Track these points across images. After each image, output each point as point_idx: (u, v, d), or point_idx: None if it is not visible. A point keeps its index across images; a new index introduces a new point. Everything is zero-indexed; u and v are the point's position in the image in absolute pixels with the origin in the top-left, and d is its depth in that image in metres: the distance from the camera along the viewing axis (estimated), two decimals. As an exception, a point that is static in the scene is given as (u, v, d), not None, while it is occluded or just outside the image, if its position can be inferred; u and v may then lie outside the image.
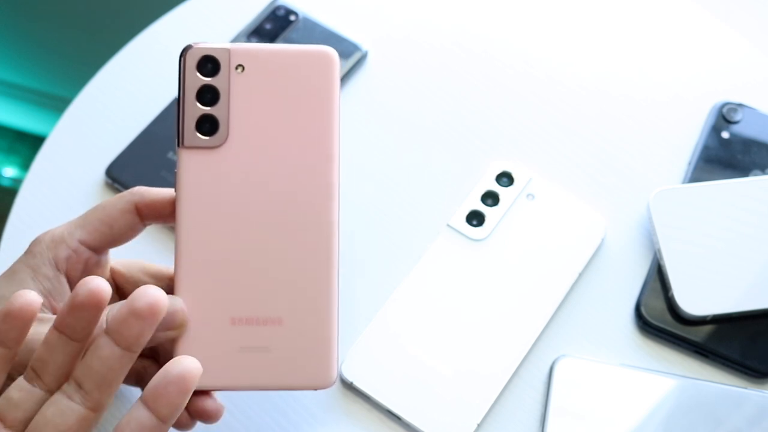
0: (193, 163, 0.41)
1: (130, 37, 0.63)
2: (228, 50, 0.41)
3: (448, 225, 0.53)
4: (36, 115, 1.47)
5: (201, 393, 0.40)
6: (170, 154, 0.56)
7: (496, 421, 0.48)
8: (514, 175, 0.54)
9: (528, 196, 0.54)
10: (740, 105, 0.57)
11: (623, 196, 0.55)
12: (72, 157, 0.58)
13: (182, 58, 0.41)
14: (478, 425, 0.47)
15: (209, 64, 0.41)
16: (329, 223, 0.41)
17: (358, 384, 0.48)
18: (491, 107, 0.59)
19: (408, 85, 0.60)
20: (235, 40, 0.61)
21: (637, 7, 0.63)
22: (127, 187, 0.55)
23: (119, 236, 0.42)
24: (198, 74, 0.41)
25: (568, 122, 0.58)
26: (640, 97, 0.59)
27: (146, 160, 0.56)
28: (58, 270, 0.40)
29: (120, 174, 0.56)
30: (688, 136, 0.57)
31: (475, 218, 0.53)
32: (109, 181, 0.56)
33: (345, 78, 0.60)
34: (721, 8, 0.63)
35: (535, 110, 0.59)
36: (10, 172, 1.51)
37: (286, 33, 0.61)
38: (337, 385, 0.49)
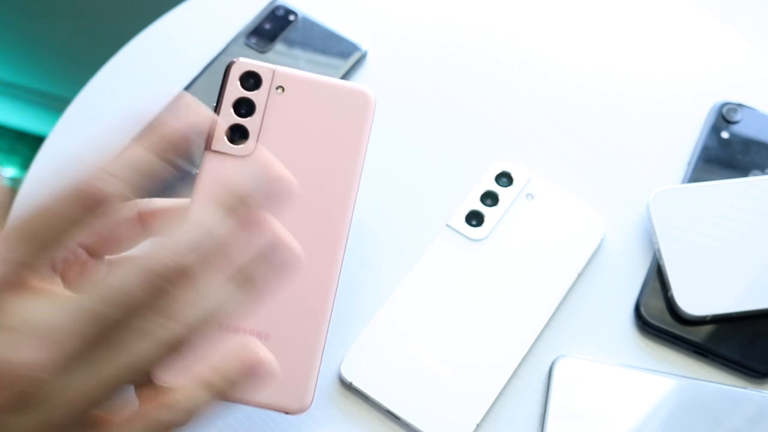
0: (216, 168, 0.41)
1: (130, 36, 0.63)
2: (273, 70, 0.42)
3: (448, 225, 0.53)
4: (36, 115, 1.47)
5: None
6: (170, 154, 0.56)
7: (496, 421, 0.48)
8: (513, 175, 0.54)
9: (527, 196, 0.54)
10: (740, 105, 0.57)
11: (623, 196, 0.55)
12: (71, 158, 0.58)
13: (228, 69, 0.42)
14: (478, 425, 0.47)
15: (251, 80, 0.42)
16: (335, 255, 0.41)
17: (358, 384, 0.48)
18: (491, 107, 0.59)
19: (407, 85, 0.60)
20: (234, 39, 0.61)
21: (637, 7, 0.63)
22: (126, 187, 0.55)
23: (119, 243, 0.42)
24: (239, 86, 0.42)
25: (568, 122, 0.58)
26: (639, 97, 0.59)
27: (146, 159, 0.56)
28: (54, 271, 0.39)
29: (119, 174, 0.56)
30: (688, 136, 0.57)
31: (475, 218, 0.53)
32: (109, 180, 0.56)
33: (344, 78, 0.59)
34: (721, 8, 0.63)
35: (535, 110, 0.59)
36: (10, 172, 1.51)
37: (286, 33, 0.61)
38: (337, 384, 0.49)
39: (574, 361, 0.48)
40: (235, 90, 0.42)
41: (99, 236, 0.41)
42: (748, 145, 0.55)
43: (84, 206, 0.32)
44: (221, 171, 0.41)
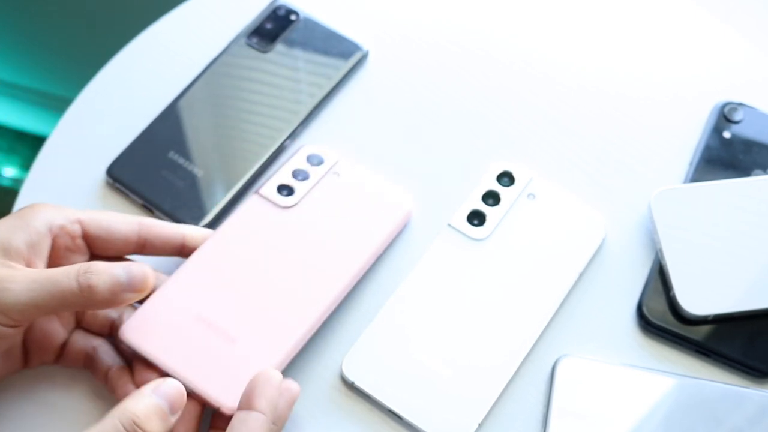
0: (256, 207, 0.50)
1: (130, 37, 0.63)
2: (337, 159, 0.52)
3: (449, 224, 0.53)
4: (36, 115, 1.47)
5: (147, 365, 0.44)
6: (171, 154, 0.56)
7: (498, 421, 0.48)
8: (514, 175, 0.54)
9: (529, 195, 0.54)
10: (741, 105, 0.57)
11: (624, 196, 0.55)
12: (73, 157, 0.58)
13: (299, 149, 0.53)
14: (480, 425, 0.47)
15: (315, 159, 0.53)
16: (324, 308, 0.47)
17: (359, 383, 0.48)
18: (492, 107, 0.59)
19: (409, 85, 0.60)
20: (235, 39, 0.61)
21: (637, 7, 0.63)
22: (128, 187, 0.55)
23: (114, 237, 0.46)
24: (304, 160, 0.52)
25: (569, 122, 0.58)
26: (640, 97, 0.59)
27: (147, 159, 0.56)
28: (50, 231, 0.44)
29: (121, 173, 0.56)
30: (689, 136, 0.57)
31: (476, 218, 0.53)
32: (110, 180, 0.56)
33: (345, 78, 0.60)
34: (721, 8, 0.63)
35: (536, 110, 0.59)
36: (10, 172, 1.51)
37: (287, 33, 0.61)
38: (338, 384, 0.49)
39: (576, 361, 0.48)
40: (299, 162, 0.52)
41: (96, 223, 0.45)
42: (750, 144, 0.55)
43: None
44: (259, 211, 0.50)
